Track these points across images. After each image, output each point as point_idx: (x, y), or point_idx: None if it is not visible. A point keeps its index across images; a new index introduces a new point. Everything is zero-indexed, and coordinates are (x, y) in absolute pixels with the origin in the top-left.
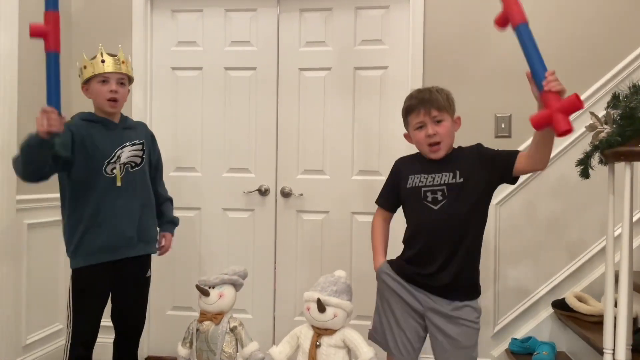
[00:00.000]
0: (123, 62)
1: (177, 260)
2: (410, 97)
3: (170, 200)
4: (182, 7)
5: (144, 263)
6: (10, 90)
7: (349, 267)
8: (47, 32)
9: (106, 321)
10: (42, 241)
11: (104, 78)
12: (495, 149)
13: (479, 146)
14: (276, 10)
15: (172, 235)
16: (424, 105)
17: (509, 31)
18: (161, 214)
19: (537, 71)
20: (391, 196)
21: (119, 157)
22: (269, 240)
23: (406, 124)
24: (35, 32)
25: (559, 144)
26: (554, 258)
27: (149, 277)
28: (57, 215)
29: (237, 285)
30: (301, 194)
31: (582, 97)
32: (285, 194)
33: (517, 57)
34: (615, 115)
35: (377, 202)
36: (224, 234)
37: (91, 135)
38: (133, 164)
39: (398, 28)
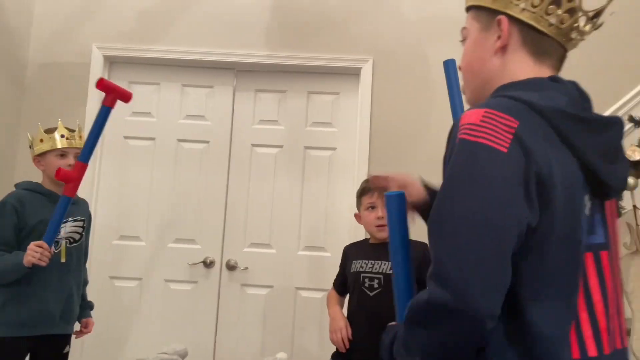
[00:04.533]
0: (80, 137)
1: (113, 333)
2: (366, 180)
3: (87, 283)
4: (139, 80)
5: (63, 340)
6: None
7: (291, 345)
8: (72, 179)
9: None
10: None
11: (62, 152)
12: None
13: (424, 248)
14: (232, 88)
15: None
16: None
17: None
18: (83, 297)
19: None
20: (341, 279)
21: (59, 231)
22: (211, 314)
23: (359, 204)
24: (61, 177)
25: None
26: None
27: (67, 352)
28: None
29: None
30: (246, 268)
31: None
32: (231, 267)
33: None
34: None
35: (333, 283)
36: (165, 306)
37: (33, 207)
38: (72, 240)
39: (347, 113)
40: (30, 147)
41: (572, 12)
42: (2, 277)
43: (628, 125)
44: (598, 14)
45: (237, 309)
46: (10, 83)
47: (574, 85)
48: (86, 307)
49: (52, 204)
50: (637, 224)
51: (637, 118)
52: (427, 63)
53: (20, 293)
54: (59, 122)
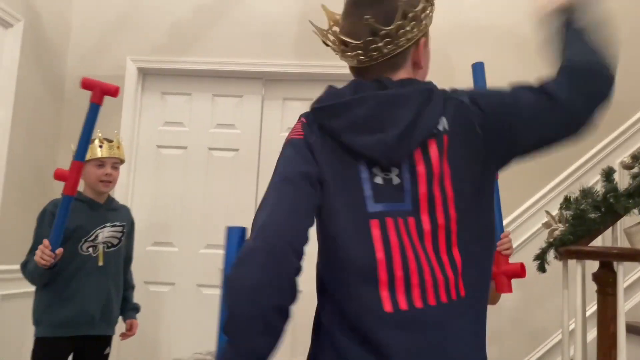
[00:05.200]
0: (118, 147)
1: (147, 337)
2: None
3: (133, 288)
4: (171, 90)
5: (104, 342)
6: None
7: None
8: (68, 178)
9: None
10: (13, 312)
11: (100, 162)
12: None
13: None
14: (261, 97)
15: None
16: None
17: None
18: (127, 300)
19: (496, 226)
20: None
21: (97, 236)
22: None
23: None
24: (58, 176)
25: (519, 237)
26: (517, 346)
27: (108, 354)
28: (30, 287)
29: None
30: None
31: (538, 196)
32: None
33: None
34: (568, 215)
35: None
36: (197, 310)
37: (73, 213)
38: (109, 244)
39: None
40: (73, 156)
41: (351, 48)
42: (33, 279)
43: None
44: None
45: None
46: (50, 95)
47: (375, 80)
48: (131, 309)
49: (91, 211)
50: None
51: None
52: (451, 66)
53: (61, 295)
54: (98, 133)
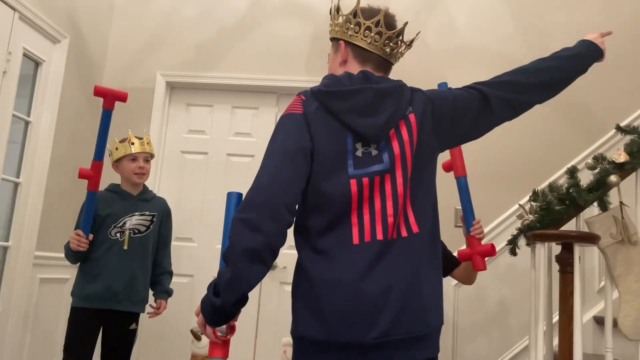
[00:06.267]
0: (148, 143)
1: (169, 323)
2: None
3: (170, 273)
4: (195, 102)
5: (130, 317)
6: (44, 158)
7: None
8: (91, 177)
9: None
10: (50, 295)
11: (133, 157)
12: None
13: None
14: (275, 109)
15: (166, 303)
16: None
17: None
18: (159, 282)
19: (467, 218)
20: None
21: (124, 223)
22: (253, 309)
23: None
24: (82, 175)
25: (506, 236)
26: (505, 336)
27: (134, 329)
28: (66, 274)
29: None
30: (285, 267)
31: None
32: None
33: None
34: (536, 207)
35: None
36: None
37: (106, 203)
38: (136, 231)
39: None
40: (110, 155)
41: (380, 34)
42: (68, 258)
43: (617, 135)
44: (399, 34)
45: (276, 304)
46: (89, 105)
47: (361, 73)
48: (162, 291)
49: (125, 202)
50: (622, 217)
51: (624, 128)
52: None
53: (90, 272)
54: (129, 132)
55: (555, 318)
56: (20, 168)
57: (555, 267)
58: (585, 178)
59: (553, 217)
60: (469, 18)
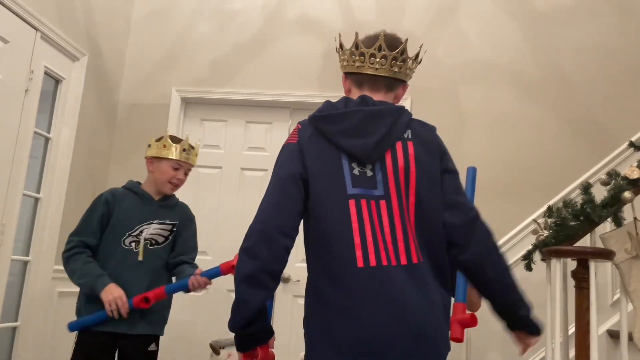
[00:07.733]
0: (196, 154)
1: (187, 337)
2: None
3: (194, 266)
4: (210, 117)
5: (146, 340)
6: (63, 173)
7: None
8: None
9: None
10: (68, 308)
11: (178, 165)
12: None
13: None
14: (288, 123)
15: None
16: None
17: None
18: (182, 271)
19: (458, 289)
20: None
21: (141, 232)
22: None
23: None
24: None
25: (518, 249)
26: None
27: (154, 351)
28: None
29: None
30: (298, 280)
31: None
32: (285, 280)
33: None
34: (551, 223)
35: None
36: (228, 313)
37: (122, 204)
38: (153, 242)
39: None
40: (148, 146)
41: (385, 57)
42: (78, 284)
43: (628, 150)
44: (402, 52)
45: (289, 317)
46: (105, 119)
47: (360, 98)
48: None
49: (142, 206)
50: (637, 233)
51: (636, 143)
52: (459, 100)
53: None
54: (186, 135)
55: (571, 330)
56: (40, 184)
57: (571, 281)
58: (598, 193)
59: (567, 233)
60: (481, 34)
